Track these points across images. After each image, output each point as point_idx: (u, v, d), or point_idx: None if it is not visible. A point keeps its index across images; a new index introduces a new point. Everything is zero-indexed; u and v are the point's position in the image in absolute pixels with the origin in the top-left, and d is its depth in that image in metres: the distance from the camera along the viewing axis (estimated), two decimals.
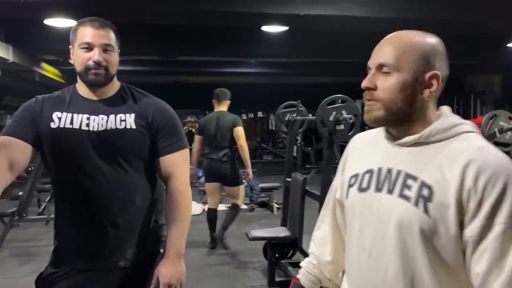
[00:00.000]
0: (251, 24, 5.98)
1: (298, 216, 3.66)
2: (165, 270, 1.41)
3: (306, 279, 1.22)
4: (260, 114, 21.06)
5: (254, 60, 9.48)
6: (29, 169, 5.33)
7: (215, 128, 4.51)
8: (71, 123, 1.45)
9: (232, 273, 4.15)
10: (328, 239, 1.21)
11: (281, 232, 3.88)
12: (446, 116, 1.02)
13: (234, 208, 4.82)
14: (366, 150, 1.11)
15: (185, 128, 28.46)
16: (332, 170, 3.25)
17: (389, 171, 1.01)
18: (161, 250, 1.56)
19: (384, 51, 1.00)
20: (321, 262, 1.21)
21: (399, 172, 0.99)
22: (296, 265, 3.83)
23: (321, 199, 3.40)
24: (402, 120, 1.00)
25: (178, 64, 9.42)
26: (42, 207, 6.28)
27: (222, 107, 4.67)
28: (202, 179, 7.78)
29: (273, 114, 19.02)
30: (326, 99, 3.25)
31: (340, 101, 3.28)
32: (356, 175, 1.08)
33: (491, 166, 0.91)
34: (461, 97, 11.72)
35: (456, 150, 0.95)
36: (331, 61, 9.09)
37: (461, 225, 0.92)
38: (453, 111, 1.06)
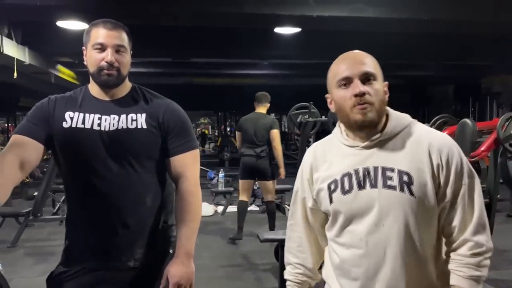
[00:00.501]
0: (264, 25, 5.98)
1: None
2: (175, 270, 1.41)
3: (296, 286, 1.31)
4: (272, 115, 21.08)
5: (266, 62, 9.47)
6: (44, 169, 5.41)
7: (254, 128, 5.00)
8: (83, 122, 1.47)
9: (243, 275, 4.15)
10: (305, 246, 1.32)
11: None
12: (392, 113, 1.22)
13: (270, 206, 5.24)
14: (332, 156, 1.24)
15: (198, 130, 28.60)
16: None
17: (366, 169, 1.17)
18: (171, 251, 1.56)
19: (365, 63, 1.18)
20: (307, 267, 1.32)
21: (375, 168, 1.16)
22: None
23: None
24: (376, 123, 1.18)
25: (191, 66, 9.47)
26: (57, 207, 6.37)
27: (262, 109, 5.17)
28: (214, 181, 7.82)
29: (286, 116, 19.00)
30: None
31: None
32: (334, 181, 1.20)
33: (445, 144, 1.18)
34: (477, 99, 11.54)
35: (414, 139, 1.18)
36: None
37: (436, 195, 1.15)
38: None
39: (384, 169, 1.15)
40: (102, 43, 1.44)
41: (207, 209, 6.48)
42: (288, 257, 1.34)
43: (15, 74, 6.01)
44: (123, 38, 1.48)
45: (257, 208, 6.92)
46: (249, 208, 6.89)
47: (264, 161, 4.99)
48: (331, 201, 1.20)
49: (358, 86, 1.15)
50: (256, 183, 5.68)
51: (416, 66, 9.36)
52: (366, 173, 1.17)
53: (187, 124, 1.57)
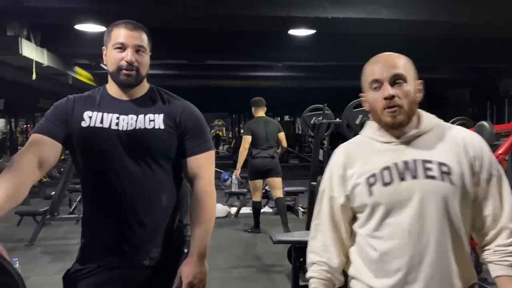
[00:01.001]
0: (278, 28, 5.98)
1: None
2: (188, 270, 1.41)
3: (323, 285, 1.31)
4: (286, 117, 21.02)
5: (280, 64, 9.47)
6: (61, 169, 5.50)
7: (265, 132, 5.37)
8: (101, 122, 1.49)
9: (256, 276, 4.15)
10: (330, 245, 1.32)
11: (306, 236, 3.80)
12: (423, 113, 1.29)
13: (281, 202, 5.56)
14: (367, 154, 1.29)
15: (212, 131, 28.69)
16: None
17: (405, 162, 1.23)
18: (185, 250, 1.56)
19: (395, 65, 1.23)
20: (331, 266, 1.32)
21: (415, 161, 1.22)
22: None
23: None
24: (408, 122, 1.24)
25: (206, 68, 9.53)
26: (73, 206, 6.46)
27: (262, 112, 5.53)
28: (228, 182, 7.84)
29: (300, 118, 18.94)
30: (352, 102, 3.21)
31: None
32: (373, 175, 1.25)
33: (476, 138, 1.28)
34: (495, 102, 11.35)
35: (448, 134, 1.27)
36: (358, 65, 8.93)
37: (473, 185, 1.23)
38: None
39: (423, 161, 1.21)
40: (123, 42, 1.46)
41: (221, 210, 6.51)
42: (311, 256, 1.34)
43: (34, 76, 6.13)
44: (143, 39, 1.50)
45: (270, 210, 6.91)
46: (262, 210, 6.93)
47: (276, 160, 5.44)
48: (370, 193, 1.23)
49: (387, 89, 1.20)
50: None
51: (433, 69, 9.24)
52: (405, 165, 1.22)
53: (204, 125, 1.59)
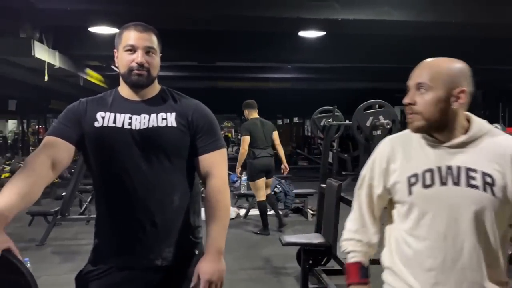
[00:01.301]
0: (288, 29, 5.98)
1: (333, 223, 3.61)
2: (206, 267, 1.41)
3: (364, 258, 1.43)
4: (295, 119, 20.99)
5: (290, 66, 9.46)
6: (72, 170, 5.55)
7: (263, 132, 5.56)
8: (114, 121, 1.50)
9: (265, 278, 4.15)
10: (367, 225, 1.43)
11: (315, 238, 3.84)
12: (474, 119, 1.30)
13: (272, 197, 5.95)
14: (411, 151, 1.32)
15: (221, 132, 28.78)
16: None
17: (449, 168, 1.26)
18: (196, 252, 1.57)
19: (422, 73, 1.27)
20: (368, 243, 1.43)
21: (459, 168, 1.25)
22: (330, 273, 3.77)
23: None
24: (441, 127, 1.27)
25: (215, 69, 9.56)
26: (84, 207, 6.51)
27: (256, 114, 5.70)
28: (237, 184, 7.85)
29: (309, 120, 18.85)
30: (363, 104, 3.20)
31: (377, 106, 3.22)
32: (415, 175, 1.29)
33: None
34: (507, 104, 11.22)
35: (497, 143, 1.27)
36: (369, 66, 8.95)
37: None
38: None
39: (468, 169, 1.25)
40: (133, 44, 1.48)
41: (230, 211, 6.50)
42: (349, 235, 1.45)
43: (46, 77, 6.19)
44: (153, 41, 1.51)
45: (280, 212, 6.90)
46: (271, 212, 6.92)
47: (273, 159, 5.68)
48: (410, 193, 1.29)
49: (407, 97, 1.29)
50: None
51: None
52: (449, 171, 1.26)
53: (215, 123, 1.60)
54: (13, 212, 1.18)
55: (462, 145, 1.27)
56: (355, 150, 11.93)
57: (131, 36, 1.48)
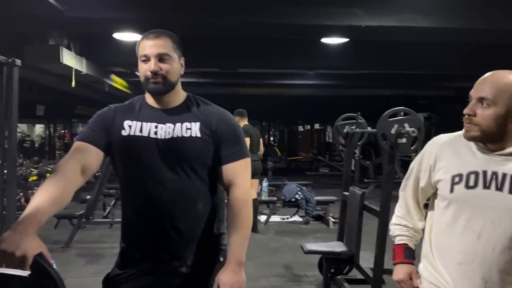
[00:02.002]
0: (311, 36, 5.98)
1: (356, 231, 3.57)
2: (226, 278, 1.42)
3: (410, 241, 1.56)
4: (316, 126, 20.87)
5: (312, 72, 9.44)
6: (97, 174, 5.64)
7: (255, 137, 6.05)
8: (141, 131, 1.52)
9: (285, 286, 4.12)
10: (413, 212, 1.58)
11: (338, 247, 3.80)
12: None
13: (256, 202, 5.97)
14: (460, 153, 1.41)
15: None
16: (394, 186, 3.15)
17: (494, 173, 1.33)
18: (221, 259, 1.58)
19: (485, 88, 1.33)
20: (414, 229, 1.57)
21: (504, 175, 1.33)
22: (353, 282, 3.72)
23: (380, 215, 3.29)
24: (495, 139, 1.34)
25: (237, 76, 9.61)
26: (107, 210, 6.61)
27: (246, 122, 6.09)
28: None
29: (330, 126, 18.74)
30: (388, 111, 3.15)
31: (402, 113, 3.17)
32: (459, 175, 1.38)
33: None
34: None
35: None
36: (392, 73, 8.85)
37: None
38: None
39: None
40: (146, 54, 1.50)
41: None
42: (397, 221, 1.60)
43: (73, 83, 6.35)
44: (167, 46, 1.51)
45: (300, 219, 6.86)
46: (292, 219, 6.89)
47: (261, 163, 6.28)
48: (451, 190, 1.39)
49: (467, 108, 1.36)
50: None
51: (470, 77, 9.00)
52: (494, 176, 1.34)
53: (239, 133, 1.61)
54: (46, 216, 1.21)
55: (510, 155, 1.34)
56: (377, 157, 11.78)
57: (145, 45, 1.50)
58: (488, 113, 1.32)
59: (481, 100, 1.33)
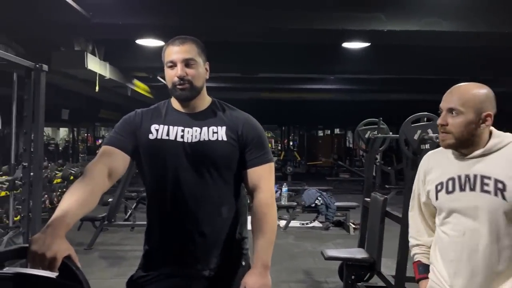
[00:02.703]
0: (333, 41, 5.96)
1: (377, 238, 3.53)
2: (252, 281, 1.42)
3: (425, 258, 1.66)
4: (337, 130, 20.73)
5: (333, 77, 9.39)
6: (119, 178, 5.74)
7: None
8: (168, 134, 1.54)
9: None
10: (422, 231, 1.69)
11: (359, 253, 3.75)
12: (494, 133, 1.50)
13: None
14: (441, 164, 1.57)
15: None
16: None
17: (467, 176, 1.48)
18: (243, 263, 1.58)
19: (453, 99, 1.48)
20: (427, 246, 1.67)
21: (475, 176, 1.46)
22: None
23: (402, 222, 3.25)
24: (467, 144, 1.49)
25: (258, 80, 9.63)
26: (129, 213, 6.70)
27: None
28: (277, 195, 7.85)
29: (351, 131, 18.57)
30: (411, 117, 3.11)
31: (425, 119, 3.13)
32: (441, 183, 1.53)
33: None
34: None
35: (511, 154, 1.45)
36: (414, 78, 8.73)
37: None
38: None
39: (482, 177, 1.45)
40: (172, 60, 1.52)
41: None
42: (412, 240, 1.71)
43: (97, 88, 6.48)
44: (192, 51, 1.53)
45: (320, 225, 6.82)
46: (312, 224, 6.85)
47: None
48: (436, 198, 1.54)
49: (440, 118, 1.50)
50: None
51: (494, 82, 8.79)
52: (467, 179, 1.48)
53: (264, 138, 1.61)
54: (74, 219, 1.23)
55: (480, 156, 1.47)
56: (399, 163, 11.61)
57: (171, 51, 1.52)
58: (458, 121, 1.46)
59: (451, 110, 1.48)
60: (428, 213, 1.66)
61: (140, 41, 5.86)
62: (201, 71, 1.55)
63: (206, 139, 1.53)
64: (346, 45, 6.16)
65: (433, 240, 1.64)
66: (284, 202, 7.05)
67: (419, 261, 1.67)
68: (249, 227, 1.60)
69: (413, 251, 1.71)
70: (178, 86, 1.51)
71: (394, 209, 3.69)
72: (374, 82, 9.55)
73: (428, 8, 4.58)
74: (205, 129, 1.54)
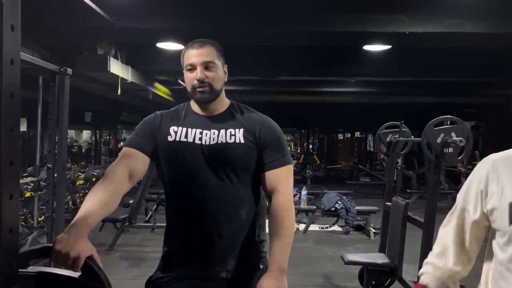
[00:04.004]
0: (354, 43, 5.91)
1: (399, 243, 3.47)
2: (268, 285, 1.41)
3: (433, 282, 1.31)
4: (357, 134, 20.52)
5: (353, 79, 9.31)
6: (140, 179, 5.81)
7: None
8: (186, 136, 1.56)
9: None
10: (450, 252, 1.31)
11: (379, 258, 3.70)
12: None
13: None
14: None
15: None
16: (439, 197, 3.04)
17: None
18: (261, 266, 1.58)
19: None
20: (444, 271, 1.31)
21: None
22: None
23: (425, 227, 3.19)
24: None
25: (277, 83, 9.62)
26: (149, 215, 6.78)
27: None
28: (296, 198, 7.81)
29: (371, 134, 18.35)
30: (433, 120, 3.06)
31: (449, 122, 3.07)
32: None
33: None
34: None
35: None
36: (436, 80, 8.58)
37: None
38: None
39: None
40: (192, 63, 1.53)
41: None
42: (428, 257, 1.38)
43: (119, 91, 6.59)
44: (212, 54, 1.54)
45: (340, 229, 6.75)
46: (331, 228, 6.79)
47: None
48: (511, 221, 1.13)
49: None
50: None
51: None
52: None
53: (282, 140, 1.61)
54: (96, 220, 1.25)
55: None
56: (421, 167, 11.43)
57: (190, 55, 1.54)
58: None
59: None
60: (472, 236, 1.27)
61: (161, 45, 5.93)
62: (220, 73, 1.56)
63: (224, 141, 1.53)
64: (367, 47, 6.10)
65: (482, 276, 1.26)
66: (303, 205, 7.00)
67: (425, 285, 1.33)
68: (266, 230, 1.60)
69: (423, 269, 1.36)
70: (198, 89, 1.52)
71: (416, 214, 3.63)
72: (395, 85, 9.41)
73: (451, 9, 4.49)
74: (223, 131, 1.55)
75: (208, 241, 1.53)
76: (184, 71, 1.57)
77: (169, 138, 1.56)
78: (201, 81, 1.51)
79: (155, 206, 7.03)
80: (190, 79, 1.54)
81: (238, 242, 1.55)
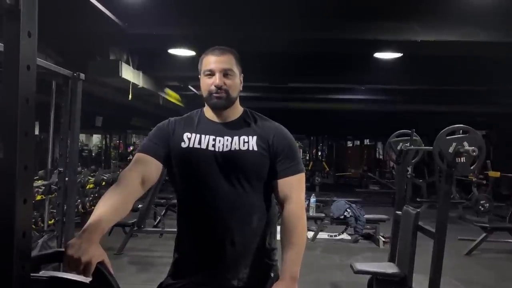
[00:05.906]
0: (364, 51, 5.90)
1: (409, 253, 3.43)
2: None
3: None
4: (367, 141, 20.43)
5: (363, 87, 9.28)
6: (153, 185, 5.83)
7: None
8: (199, 143, 1.56)
9: None
10: None
11: (389, 268, 3.66)
12: None
13: None
14: None
15: None
16: (450, 206, 3.00)
17: None
18: (272, 274, 1.57)
19: None
20: None
21: None
22: None
23: (436, 236, 3.15)
24: None
25: (287, 90, 9.62)
26: (158, 220, 6.79)
27: None
28: (305, 205, 7.77)
29: (381, 142, 18.24)
30: (446, 129, 3.03)
31: (461, 131, 3.04)
32: None
33: None
34: None
35: None
36: (448, 89, 8.51)
37: None
38: None
39: None
40: (211, 69, 1.54)
41: None
42: None
43: (130, 96, 6.63)
44: (231, 62, 1.56)
45: (349, 237, 6.70)
46: (340, 237, 6.74)
47: None
48: None
49: None
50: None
51: None
52: None
53: (295, 147, 1.61)
54: (108, 225, 1.26)
55: None
56: (431, 176, 11.31)
57: (210, 61, 1.55)
58: None
59: None
60: None
61: (172, 51, 5.98)
62: (237, 82, 1.58)
63: (237, 148, 1.54)
64: (377, 55, 6.08)
65: None
66: (312, 213, 6.96)
67: None
68: (277, 237, 1.59)
69: None
70: (215, 95, 1.53)
71: (426, 223, 3.58)
72: (405, 93, 9.36)
73: (464, 18, 4.47)
74: (236, 138, 1.55)
75: (220, 248, 1.53)
76: (201, 76, 1.58)
77: (183, 145, 1.57)
78: (218, 87, 1.53)
79: (164, 211, 7.04)
80: (207, 84, 1.55)
81: (249, 250, 1.55)
